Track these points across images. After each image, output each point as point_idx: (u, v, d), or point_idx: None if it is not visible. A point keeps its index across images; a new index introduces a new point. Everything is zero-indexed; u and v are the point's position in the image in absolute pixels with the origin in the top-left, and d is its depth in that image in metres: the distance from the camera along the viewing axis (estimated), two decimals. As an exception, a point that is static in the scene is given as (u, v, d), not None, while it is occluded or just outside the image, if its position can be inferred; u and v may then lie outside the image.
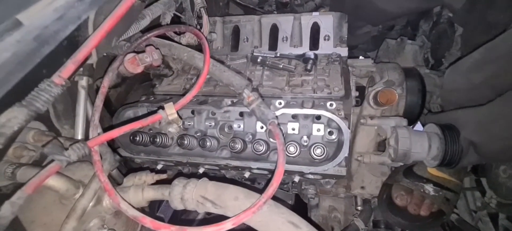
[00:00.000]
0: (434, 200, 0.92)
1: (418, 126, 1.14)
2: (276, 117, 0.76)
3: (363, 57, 1.48)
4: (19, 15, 0.51)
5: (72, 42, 0.59)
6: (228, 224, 0.56)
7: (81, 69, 0.76)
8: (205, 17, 1.00)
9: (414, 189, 0.94)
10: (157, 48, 0.84)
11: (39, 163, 0.73)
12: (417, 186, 0.94)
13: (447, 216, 0.96)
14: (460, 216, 1.13)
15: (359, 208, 1.06)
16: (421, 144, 0.85)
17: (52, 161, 0.58)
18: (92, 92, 0.89)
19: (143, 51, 0.81)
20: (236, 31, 1.18)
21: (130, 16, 0.82)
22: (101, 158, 0.67)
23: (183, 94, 0.93)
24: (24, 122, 0.49)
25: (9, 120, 0.46)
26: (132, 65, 0.77)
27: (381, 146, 1.02)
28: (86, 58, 0.64)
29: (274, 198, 0.63)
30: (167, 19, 0.96)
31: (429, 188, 0.93)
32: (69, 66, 0.55)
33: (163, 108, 0.72)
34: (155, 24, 0.95)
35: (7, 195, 0.64)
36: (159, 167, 0.98)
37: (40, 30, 0.51)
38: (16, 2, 0.52)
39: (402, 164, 0.94)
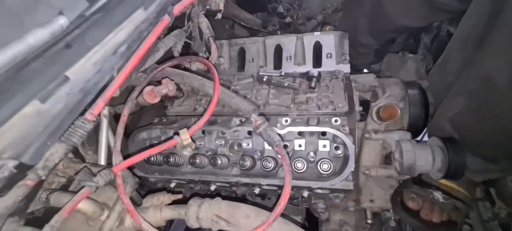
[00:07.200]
0: (444, 207, 0.92)
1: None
2: (281, 139, 0.79)
3: (367, 71, 1.51)
4: (67, 72, 0.61)
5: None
6: (241, 241, 0.60)
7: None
8: (213, 46, 1.06)
9: (424, 194, 0.94)
10: (171, 80, 0.91)
11: (66, 187, 0.80)
12: (427, 192, 0.94)
13: (459, 226, 0.96)
14: (472, 227, 1.11)
15: (369, 221, 1.06)
16: (425, 157, 0.86)
17: (81, 186, 0.65)
18: (111, 118, 0.97)
19: (159, 82, 0.88)
20: (242, 53, 1.23)
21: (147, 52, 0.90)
22: (123, 181, 0.73)
23: (193, 115, 0.98)
24: (63, 155, 0.56)
25: (52, 154, 0.54)
26: (151, 97, 0.85)
27: (388, 159, 1.04)
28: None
29: (285, 215, 0.66)
30: (178, 47, 1.03)
31: (438, 195, 0.93)
32: (99, 104, 0.63)
33: (178, 134, 0.78)
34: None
35: (39, 217, 0.71)
36: (172, 185, 1.03)
37: (84, 83, 0.61)
38: (64, 61, 0.62)
39: (409, 177, 0.96)
